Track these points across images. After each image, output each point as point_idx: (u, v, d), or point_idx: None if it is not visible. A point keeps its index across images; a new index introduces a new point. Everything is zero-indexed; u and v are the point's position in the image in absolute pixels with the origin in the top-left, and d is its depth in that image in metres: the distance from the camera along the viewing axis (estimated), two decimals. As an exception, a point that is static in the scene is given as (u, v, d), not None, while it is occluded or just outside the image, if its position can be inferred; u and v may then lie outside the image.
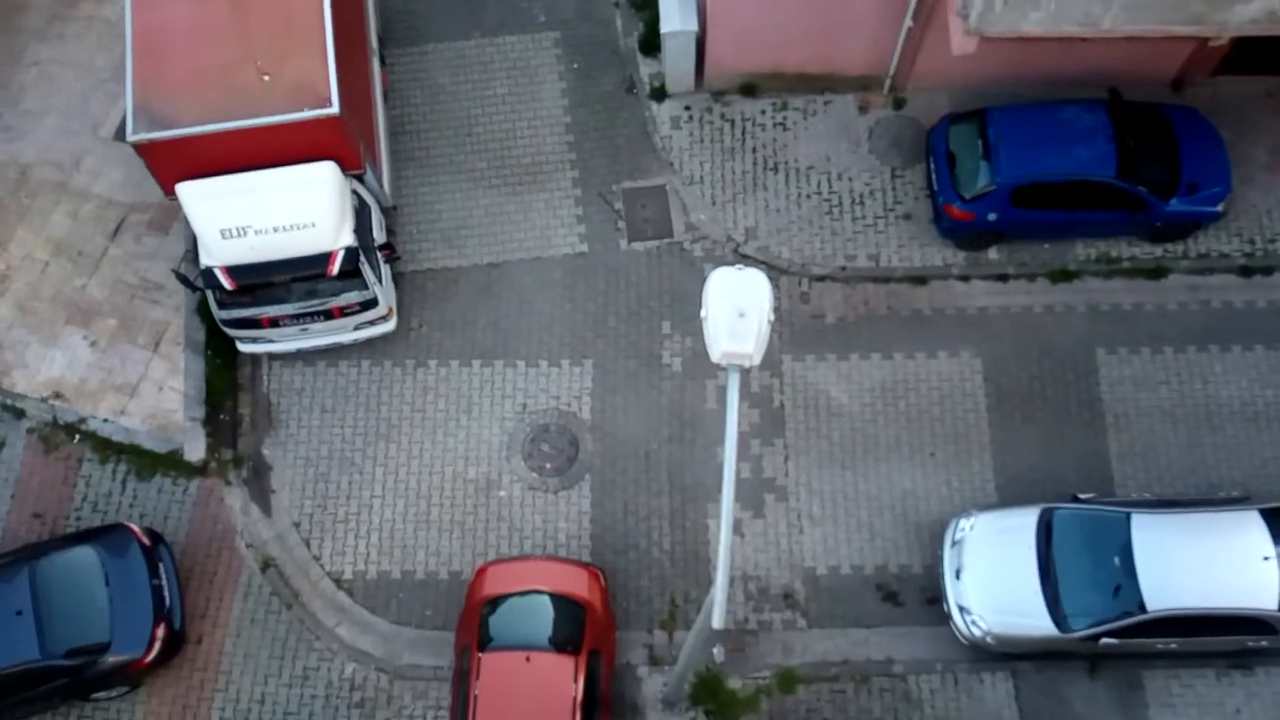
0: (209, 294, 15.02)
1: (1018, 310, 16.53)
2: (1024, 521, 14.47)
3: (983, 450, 15.85)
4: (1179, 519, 14.02)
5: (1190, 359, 16.15)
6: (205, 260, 14.60)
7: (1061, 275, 16.59)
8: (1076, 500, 14.80)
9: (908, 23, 15.85)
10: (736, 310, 9.04)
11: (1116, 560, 13.88)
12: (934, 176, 16.44)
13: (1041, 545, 14.22)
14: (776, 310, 15.64)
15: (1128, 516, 14.09)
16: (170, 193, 14.73)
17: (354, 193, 15.21)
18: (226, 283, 14.55)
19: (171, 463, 15.85)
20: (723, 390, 15.93)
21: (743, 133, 17.44)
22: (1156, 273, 16.55)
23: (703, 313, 9.17)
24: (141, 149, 14.16)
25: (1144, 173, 15.60)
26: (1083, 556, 14.04)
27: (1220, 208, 16.03)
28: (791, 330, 16.50)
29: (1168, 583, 13.65)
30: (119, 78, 16.01)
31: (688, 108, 17.58)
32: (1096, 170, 15.47)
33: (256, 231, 14.43)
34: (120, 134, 16.42)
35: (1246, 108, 16.92)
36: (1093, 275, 16.61)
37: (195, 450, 15.89)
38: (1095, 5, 13.07)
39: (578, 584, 14.23)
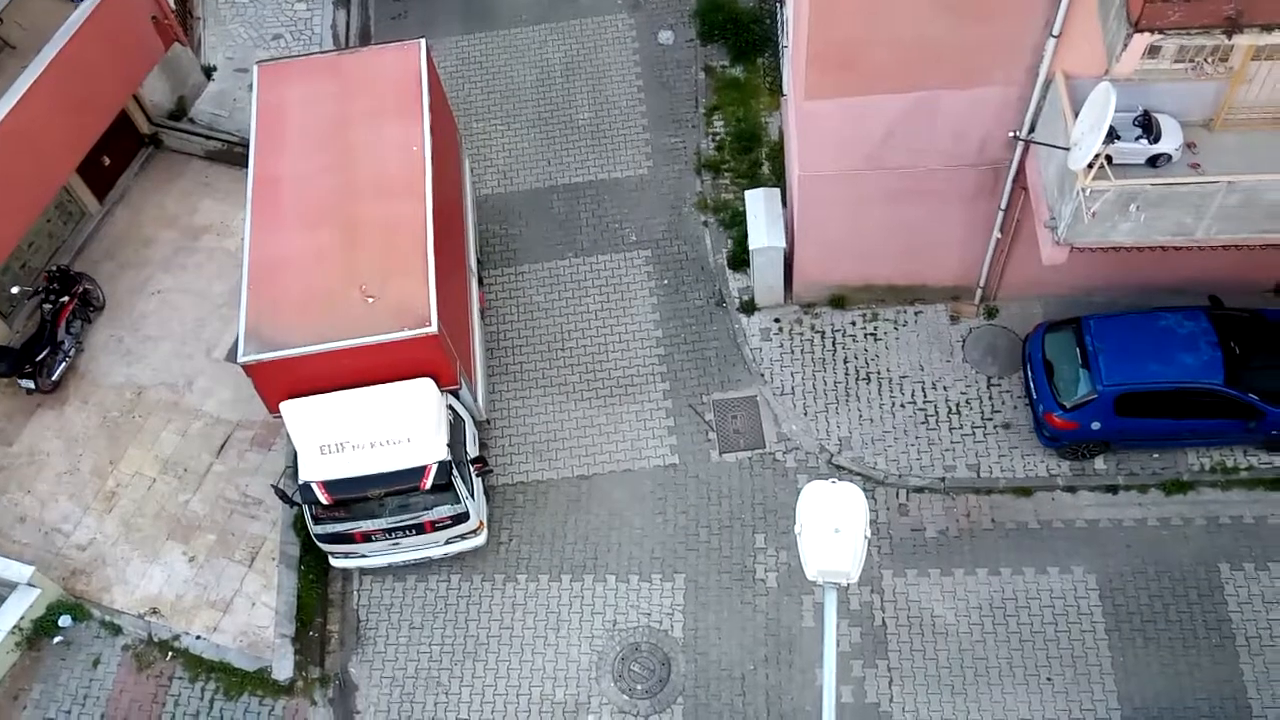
0: (305, 509, 15.20)
1: (1131, 523, 15.77)
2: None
3: (1104, 676, 14.79)
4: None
5: (1325, 575, 15.12)
6: (304, 475, 14.87)
7: (1175, 486, 15.87)
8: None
9: (996, 235, 15.98)
10: (832, 526, 8.76)
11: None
12: (1032, 385, 16.13)
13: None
14: (874, 523, 15.25)
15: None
16: (275, 410, 15.18)
17: (449, 408, 15.50)
18: (322, 497, 14.74)
19: (259, 682, 15.66)
20: (820, 607, 15.31)
21: (833, 343, 17.48)
22: (1278, 484, 15.71)
23: (797, 529, 8.90)
24: (250, 369, 14.71)
25: (1254, 380, 15.07)
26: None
27: (1340, 414, 15.33)
28: (891, 544, 15.95)
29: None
30: (233, 303, 16.94)
31: (777, 320, 17.77)
32: (1203, 377, 15.01)
33: (354, 447, 14.73)
34: (231, 356, 17.19)
35: (1356, 311, 16.44)
36: (1209, 486, 15.85)
37: (283, 669, 15.71)
38: (1188, 216, 13.00)
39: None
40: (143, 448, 17.51)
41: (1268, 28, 10.88)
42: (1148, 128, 13.30)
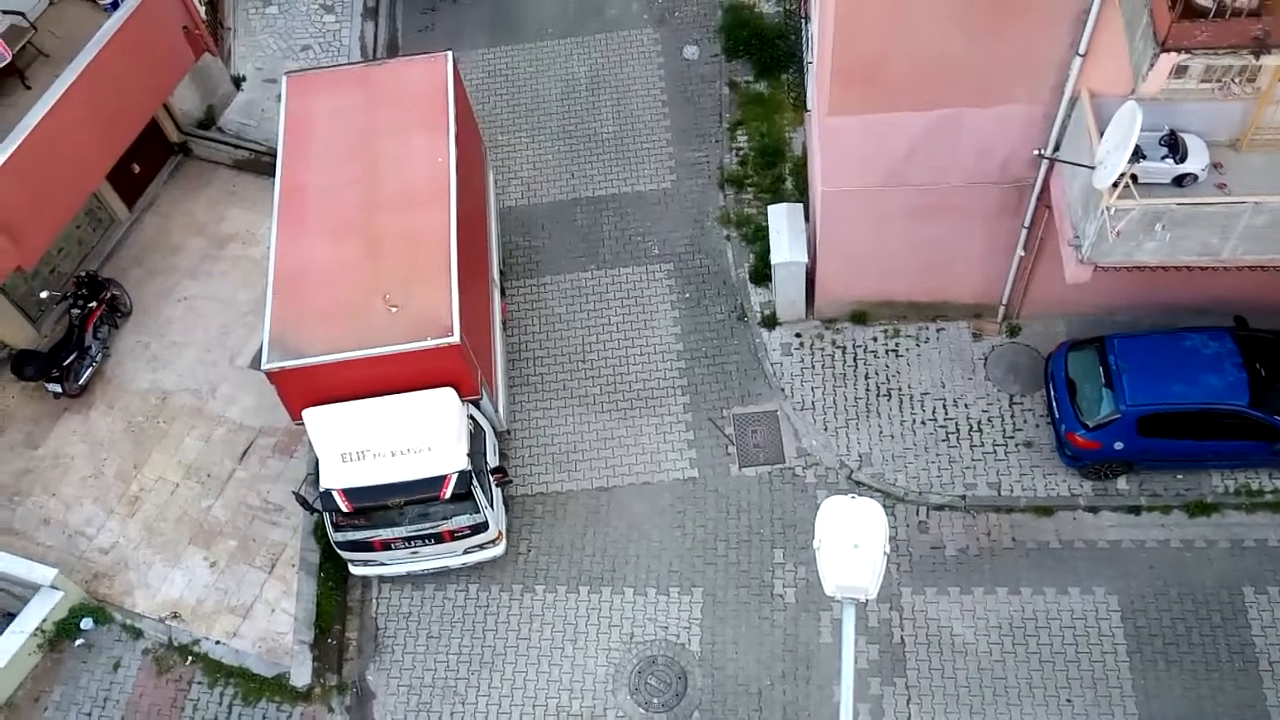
0: (325, 516, 15.29)
1: (1153, 545, 15.65)
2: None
3: (1125, 699, 14.66)
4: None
5: (1350, 600, 14.95)
6: (325, 483, 14.95)
7: (1199, 508, 15.74)
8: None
9: (1019, 253, 15.94)
10: (851, 541, 8.75)
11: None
12: (1055, 404, 16.05)
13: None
14: (893, 540, 15.19)
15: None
16: (297, 418, 15.29)
17: (470, 417, 15.57)
18: (343, 505, 14.82)
19: (277, 688, 15.73)
20: (838, 624, 15.23)
21: (854, 359, 17.45)
22: (1303, 506, 15.60)
23: (815, 543, 8.88)
24: (274, 377, 14.83)
25: (1279, 402, 14.96)
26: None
27: (1367, 437, 15.18)
28: (910, 561, 15.88)
29: None
30: (258, 311, 17.07)
31: (798, 335, 17.76)
32: (1227, 399, 14.90)
33: (375, 455, 14.81)
34: (255, 363, 17.33)
35: (1385, 334, 16.28)
36: (1233, 509, 15.72)
37: (301, 675, 15.77)
38: (1213, 236, 12.93)
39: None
40: (166, 453, 17.66)
41: (1297, 48, 10.85)
42: (1174, 147, 13.24)
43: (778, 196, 18.67)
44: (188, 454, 17.64)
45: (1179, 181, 13.32)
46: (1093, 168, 12.77)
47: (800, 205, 17.55)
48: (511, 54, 21.29)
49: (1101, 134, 12.75)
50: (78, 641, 16.09)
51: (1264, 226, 12.74)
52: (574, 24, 21.49)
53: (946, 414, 16.86)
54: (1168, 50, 10.90)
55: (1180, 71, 12.37)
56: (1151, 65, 11.10)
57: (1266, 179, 13.05)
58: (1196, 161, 13.24)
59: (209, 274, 19.32)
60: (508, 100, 20.77)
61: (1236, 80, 12.83)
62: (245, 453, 17.60)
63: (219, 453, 17.60)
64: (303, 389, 14.96)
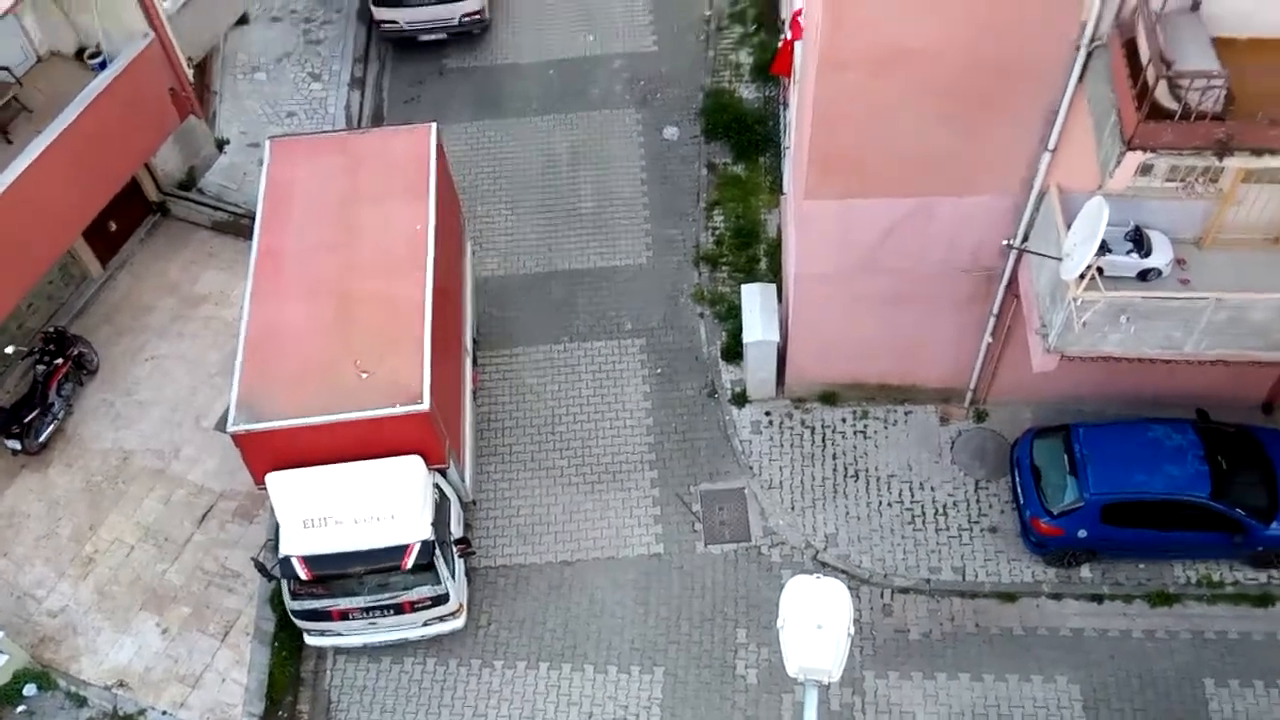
0: (283, 583, 15.03)
1: (1115, 634, 15.64)
2: None
3: (1087, 790, 14.54)
4: None
5: (1311, 696, 14.95)
6: (284, 549, 14.72)
7: (1160, 598, 15.79)
8: None
9: (987, 340, 16.16)
10: (815, 622, 8.70)
11: None
12: (1020, 490, 16.14)
13: None
14: (857, 622, 15.06)
15: None
16: (260, 482, 15.10)
17: (436, 486, 15.44)
18: (302, 572, 14.58)
19: (224, 759, 15.31)
20: (800, 706, 15.03)
21: (823, 439, 17.52)
22: (1263, 600, 15.65)
23: (779, 623, 8.82)
24: (239, 439, 14.68)
25: (1240, 495, 15.11)
26: None
27: (1326, 535, 15.34)
28: (874, 644, 15.77)
29: None
30: (226, 373, 16.94)
31: (768, 413, 17.83)
32: (1189, 490, 15.05)
33: (337, 522, 14.62)
34: (221, 425, 17.15)
35: (1343, 432, 16.54)
36: (1194, 600, 15.77)
37: (250, 748, 15.38)
38: (1177, 330, 13.17)
39: None
40: (124, 514, 17.36)
41: (1258, 152, 11.17)
42: (1139, 242, 13.56)
43: (751, 276, 18.89)
44: (146, 515, 17.34)
45: (1143, 276, 13.60)
46: (1060, 259, 13.03)
47: (773, 285, 17.77)
48: (495, 128, 21.60)
49: (1069, 227, 13.04)
50: (19, 708, 15.60)
51: (1226, 322, 13.00)
52: (558, 102, 21.86)
53: (913, 497, 16.91)
54: (1134, 149, 11.20)
55: (1146, 170, 12.71)
56: (1118, 163, 11.39)
57: (1228, 276, 13.36)
58: (1160, 257, 13.54)
59: (179, 334, 19.22)
60: (489, 173, 21.02)
61: (1200, 180, 13.21)
62: (205, 516, 17.33)
63: (178, 515, 17.32)
64: (268, 452, 14.81)
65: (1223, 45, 11.35)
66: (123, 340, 19.14)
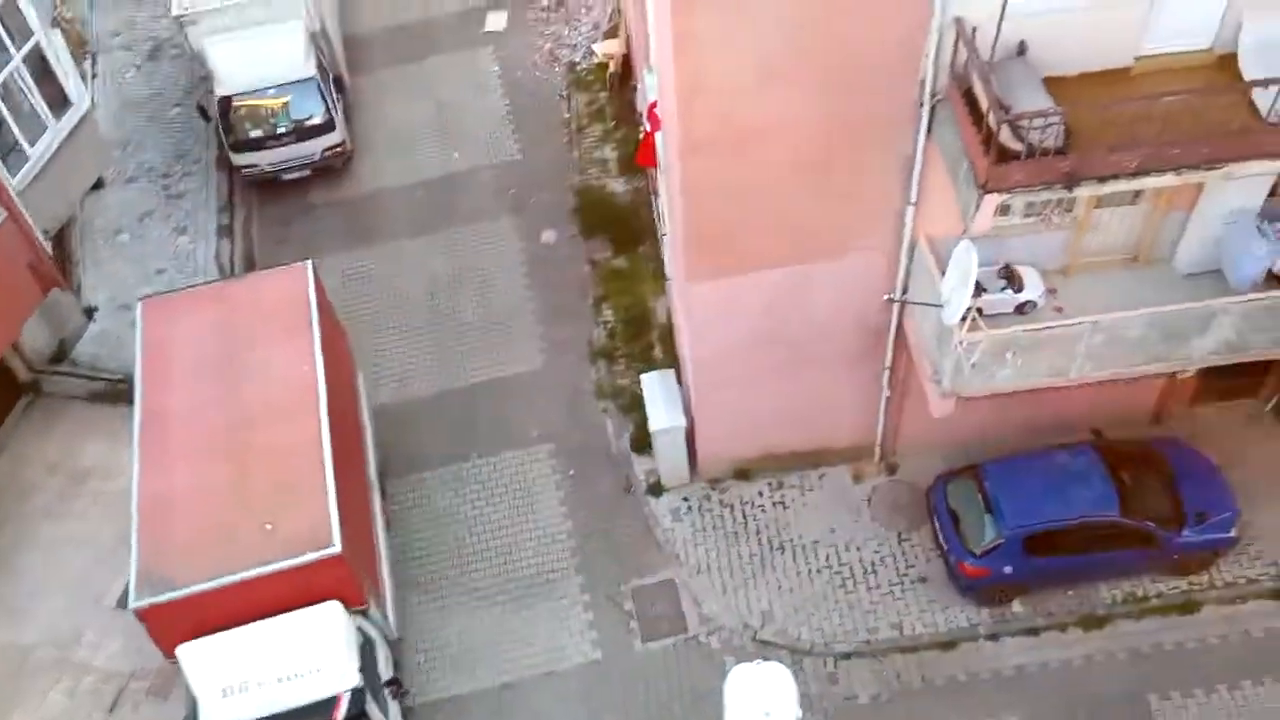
0: (209, 759, 14.21)
1: (1056, 665, 15.76)
2: None
3: (1057, 826, 14.45)
4: None
5: (1247, 694, 15.23)
6: (205, 721, 13.97)
7: (1092, 622, 16.00)
8: None
9: (885, 394, 16.43)
10: (762, 710, 8.56)
11: None
12: (941, 536, 16.30)
13: None
14: (805, 697, 14.90)
15: None
16: (171, 656, 14.37)
17: (359, 629, 14.89)
18: (227, 744, 13.83)
19: None
20: (764, 794, 14.71)
21: (743, 516, 17.48)
22: (1188, 607, 15.99)
23: (726, 718, 8.65)
24: (143, 614, 14.00)
25: (1148, 507, 15.51)
26: None
27: (1234, 532, 15.79)
28: (826, 716, 15.56)
29: None
30: (122, 548, 16.17)
31: (686, 499, 17.74)
32: (1099, 509, 15.39)
33: (259, 684, 13.94)
34: (122, 602, 16.30)
35: (1231, 433, 17.12)
36: (1124, 618, 16.03)
37: None
38: (1061, 358, 13.59)
39: None
40: (27, 713, 16.28)
41: (1102, 179, 11.75)
42: (1010, 278, 14.03)
43: (649, 364, 18.96)
44: (51, 710, 16.29)
45: (1020, 309, 14.06)
46: (940, 306, 13.39)
47: (672, 370, 17.85)
48: (371, 256, 21.45)
49: (944, 274, 13.43)
50: None
51: (1104, 343, 13.47)
52: (430, 221, 21.84)
53: (840, 560, 16.92)
54: (989, 192, 11.67)
55: (1005, 209, 13.22)
56: (977, 207, 11.85)
57: (1097, 299, 13.88)
58: (1033, 289, 14.02)
59: (67, 513, 18.33)
60: (371, 301, 20.80)
61: (1055, 212, 13.79)
62: (115, 702, 16.36)
63: (86, 706, 16.31)
64: (176, 623, 14.12)
65: (1054, 84, 11.96)
66: (6, 530, 18.18)
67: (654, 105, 15.77)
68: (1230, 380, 16.52)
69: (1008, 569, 15.61)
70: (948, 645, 16.01)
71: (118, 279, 21.24)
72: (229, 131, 21.59)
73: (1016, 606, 16.18)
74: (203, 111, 22.72)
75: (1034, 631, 16.02)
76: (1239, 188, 13.12)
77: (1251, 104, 11.80)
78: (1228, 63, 12.21)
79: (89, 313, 20.67)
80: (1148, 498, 15.57)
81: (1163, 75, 12.20)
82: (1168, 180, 11.91)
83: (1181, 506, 15.64)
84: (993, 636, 16.03)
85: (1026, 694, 15.52)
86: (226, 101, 21.45)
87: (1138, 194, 13.53)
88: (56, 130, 18.92)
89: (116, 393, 19.40)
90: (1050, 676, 15.65)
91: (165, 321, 16.60)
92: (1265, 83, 11.49)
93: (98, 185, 22.24)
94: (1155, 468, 16.00)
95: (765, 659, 8.92)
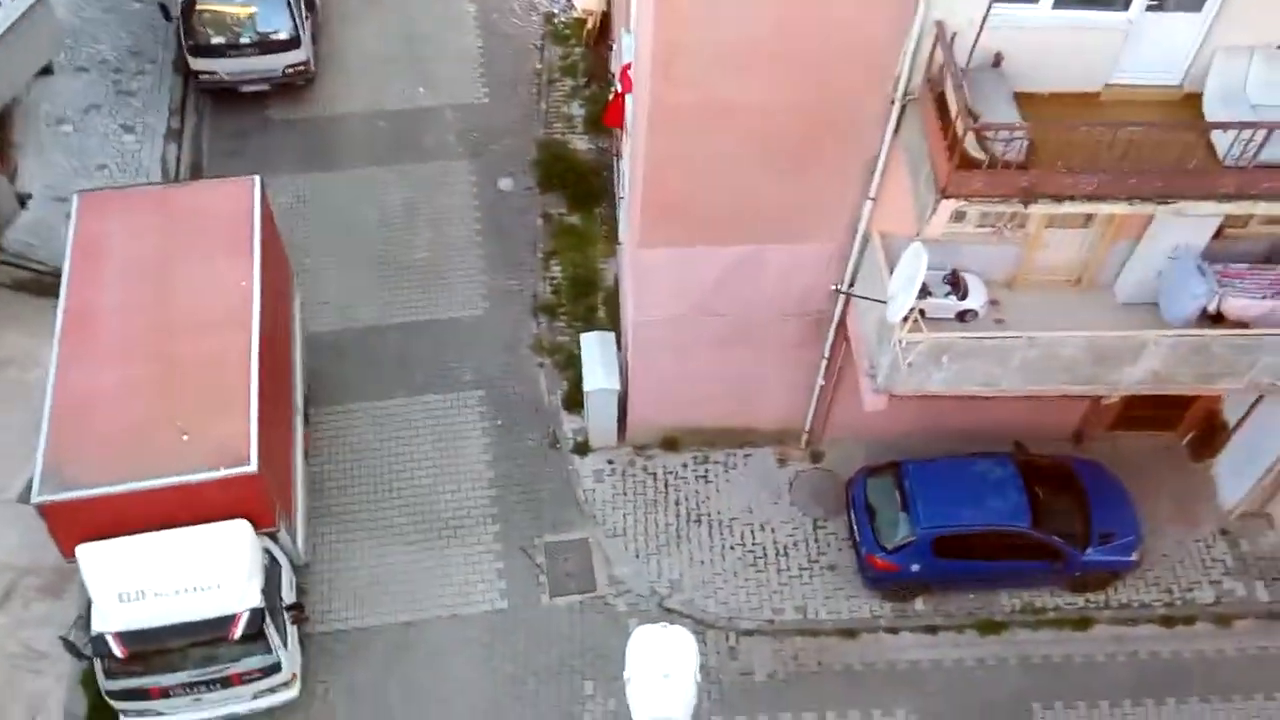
0: (97, 662, 13.99)
1: (949, 664, 16.15)
2: None
3: (929, 820, 14.87)
4: None
5: (1127, 713, 15.75)
6: (98, 625, 13.74)
7: (989, 626, 16.41)
8: None
9: (820, 382, 16.60)
10: (662, 671, 8.65)
11: None
12: (855, 528, 16.57)
13: None
14: (705, 667, 15.09)
15: None
16: (70, 555, 14.09)
17: (265, 551, 14.73)
18: (117, 650, 13.64)
19: None
20: (651, 758, 14.90)
21: (665, 485, 17.59)
22: (1082, 623, 16.47)
23: (626, 674, 8.74)
24: (44, 510, 13.69)
25: (1057, 523, 15.92)
26: None
27: (1135, 556, 16.27)
28: (720, 689, 15.81)
29: None
30: (30, 441, 15.78)
31: (611, 461, 17.79)
32: (1011, 520, 15.74)
33: (156, 594, 13.75)
34: (24, 497, 15.90)
35: (1144, 462, 17.59)
36: (1020, 626, 16.46)
37: (61, 845, 14.17)
38: (995, 368, 13.84)
39: None
40: (-86, 598, 15.91)
41: (1058, 199, 11.93)
42: (956, 285, 14.22)
43: (590, 325, 18.91)
44: (-60, 598, 15.94)
45: (961, 317, 14.27)
46: (885, 303, 13.53)
47: (612, 334, 17.84)
48: (324, 181, 21.03)
49: (892, 271, 13.57)
50: None
51: (1037, 359, 13.73)
52: (390, 154, 21.49)
53: (754, 539, 17.12)
54: (947, 197, 11.78)
55: (959, 216, 13.34)
56: (934, 210, 11.95)
57: (1037, 316, 14.14)
58: (976, 299, 14.24)
59: (-24, 401, 17.84)
60: (320, 225, 20.41)
61: (1008, 226, 13.99)
62: (6, 596, 16.01)
63: (-23, 596, 15.98)
64: (78, 523, 13.85)
65: (1025, 99, 12.09)
66: (-87, 411, 17.64)
67: (628, 67, 15.66)
68: (1151, 411, 17.00)
69: (915, 567, 15.93)
70: (848, 633, 16.31)
71: (56, 169, 20.58)
72: (189, 34, 20.98)
73: (919, 604, 16.53)
74: (164, 10, 22.06)
75: (933, 630, 16.39)
76: (1187, 225, 13.43)
77: (1210, 144, 12.04)
78: (1193, 101, 12.43)
79: (22, 200, 20.02)
80: (1058, 514, 15.97)
81: (1130, 105, 12.40)
82: (1120, 208, 12.14)
83: (1089, 526, 16.07)
84: (892, 630, 16.37)
85: (918, 689, 15.89)
86: (190, 3, 20.84)
87: (1089, 218, 13.79)
88: (9, 7, 18.21)
89: (43, 285, 18.82)
90: (943, 675, 16.04)
91: (101, 218, 16.17)
92: (1224, 125, 11.74)
93: (46, 70, 21.45)
94: (1069, 486, 16.41)
95: (670, 625, 8.98)
